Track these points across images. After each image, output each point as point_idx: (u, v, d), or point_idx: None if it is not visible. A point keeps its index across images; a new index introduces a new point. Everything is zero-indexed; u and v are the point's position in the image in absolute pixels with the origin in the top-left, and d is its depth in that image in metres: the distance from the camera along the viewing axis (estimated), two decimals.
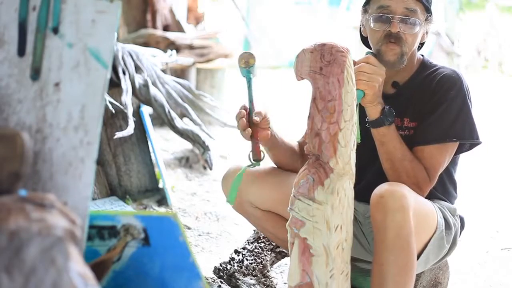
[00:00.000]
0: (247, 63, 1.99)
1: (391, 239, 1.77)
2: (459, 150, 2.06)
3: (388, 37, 1.99)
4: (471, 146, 2.07)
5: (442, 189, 2.12)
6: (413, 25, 1.99)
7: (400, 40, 1.99)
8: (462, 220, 2.14)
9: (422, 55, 2.15)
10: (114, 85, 3.26)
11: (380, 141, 1.97)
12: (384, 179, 1.96)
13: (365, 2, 2.09)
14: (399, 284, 1.78)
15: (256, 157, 2.01)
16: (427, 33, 2.10)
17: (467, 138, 2.01)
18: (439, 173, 2.00)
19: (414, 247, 1.80)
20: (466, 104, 2.00)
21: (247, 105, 2.00)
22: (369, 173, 2.08)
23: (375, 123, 1.96)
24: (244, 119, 1.97)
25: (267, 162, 2.15)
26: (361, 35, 2.16)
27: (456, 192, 2.18)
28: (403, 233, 1.77)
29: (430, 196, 2.04)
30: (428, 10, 2.03)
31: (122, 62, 3.31)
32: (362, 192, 2.01)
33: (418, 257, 1.91)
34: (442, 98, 1.99)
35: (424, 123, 2.00)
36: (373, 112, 1.96)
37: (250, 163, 2.02)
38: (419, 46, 2.14)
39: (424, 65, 2.11)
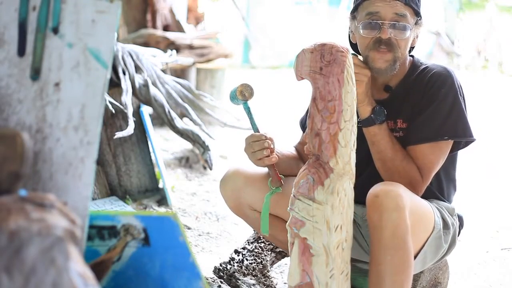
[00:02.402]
0: (244, 96, 2.01)
1: (387, 239, 1.77)
2: (455, 148, 2.05)
3: (378, 43, 1.97)
4: (467, 143, 2.05)
5: (439, 188, 2.11)
6: (403, 30, 1.97)
7: (392, 46, 1.97)
8: (461, 219, 2.14)
9: (412, 56, 2.14)
10: (114, 85, 3.26)
11: (371, 140, 1.98)
12: (379, 181, 1.96)
13: (353, 9, 2.07)
14: (396, 283, 1.78)
15: (277, 184, 2.05)
16: (417, 36, 2.08)
17: (460, 135, 1.98)
18: (433, 173, 1.99)
19: (411, 246, 1.80)
20: (458, 101, 1.98)
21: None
22: (364, 175, 2.07)
23: (366, 122, 1.97)
24: (265, 149, 2.00)
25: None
26: (350, 42, 2.14)
27: (455, 190, 2.17)
28: (399, 232, 1.77)
29: (428, 195, 2.04)
30: (417, 13, 2.02)
31: (122, 62, 3.31)
32: (358, 194, 2.01)
33: (416, 256, 1.91)
34: (433, 96, 1.98)
35: (416, 122, 1.99)
36: (364, 112, 1.97)
37: (271, 190, 2.05)
38: (409, 50, 2.13)
39: (415, 65, 2.10)
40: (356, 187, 1.94)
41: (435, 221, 1.98)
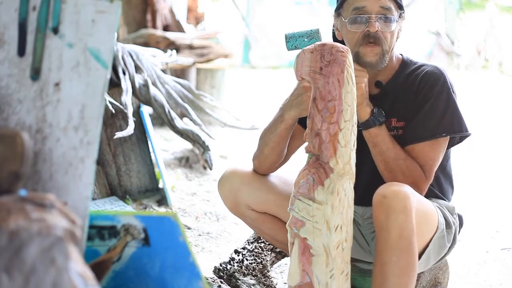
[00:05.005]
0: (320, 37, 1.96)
1: (393, 240, 1.77)
2: (450, 144, 2.07)
3: (366, 37, 1.99)
4: (462, 139, 2.07)
5: (438, 186, 2.12)
6: (390, 23, 2.00)
7: (380, 40, 1.99)
8: (460, 218, 2.15)
9: (401, 54, 2.16)
10: (114, 85, 3.26)
11: (372, 142, 1.98)
12: (378, 181, 1.96)
13: (337, 6, 2.08)
14: (400, 285, 1.78)
15: None
16: (401, 30, 2.10)
17: (457, 131, 2.01)
18: (434, 170, 2.01)
19: (416, 247, 1.80)
20: (452, 98, 2.01)
21: None
22: (362, 176, 2.07)
23: (366, 124, 1.97)
24: None
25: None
26: (334, 39, 2.14)
27: (452, 187, 2.18)
28: (405, 234, 1.77)
29: (428, 194, 2.04)
30: (400, 7, 2.05)
31: (122, 62, 3.31)
32: (357, 195, 2.01)
33: (420, 257, 1.92)
34: (428, 94, 2.00)
35: (412, 121, 2.01)
36: (363, 114, 1.97)
37: None
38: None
39: (405, 63, 2.12)
40: (358, 188, 1.94)
41: (439, 221, 1.99)
